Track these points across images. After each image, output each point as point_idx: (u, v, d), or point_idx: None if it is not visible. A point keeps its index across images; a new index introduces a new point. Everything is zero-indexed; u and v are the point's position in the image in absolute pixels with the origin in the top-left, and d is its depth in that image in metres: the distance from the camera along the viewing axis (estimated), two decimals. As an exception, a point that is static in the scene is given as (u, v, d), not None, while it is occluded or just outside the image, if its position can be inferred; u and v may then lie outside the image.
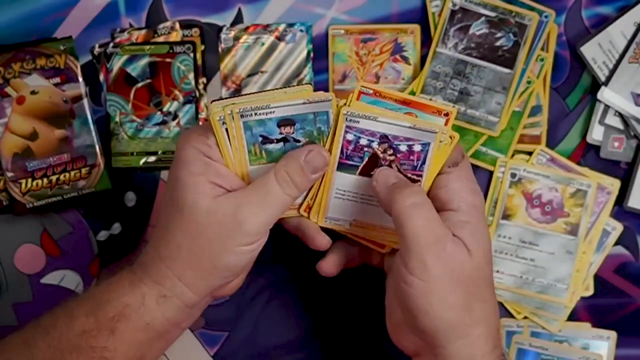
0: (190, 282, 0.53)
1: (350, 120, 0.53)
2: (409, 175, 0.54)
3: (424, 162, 0.53)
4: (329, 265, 0.58)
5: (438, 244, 0.50)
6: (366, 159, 0.54)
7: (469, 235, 0.51)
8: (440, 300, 0.50)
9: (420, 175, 0.54)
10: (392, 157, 0.54)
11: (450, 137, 0.53)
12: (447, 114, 0.53)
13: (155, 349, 0.55)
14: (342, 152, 0.54)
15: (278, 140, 0.54)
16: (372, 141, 0.53)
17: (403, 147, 0.53)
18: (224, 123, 0.52)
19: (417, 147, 0.53)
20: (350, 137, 0.53)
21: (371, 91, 0.53)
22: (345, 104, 0.53)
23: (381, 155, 0.54)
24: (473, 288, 0.51)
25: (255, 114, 0.53)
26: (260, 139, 0.54)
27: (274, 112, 0.53)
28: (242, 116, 0.53)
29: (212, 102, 0.53)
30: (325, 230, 0.57)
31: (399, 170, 0.54)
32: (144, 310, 0.53)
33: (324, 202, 0.56)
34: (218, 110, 0.52)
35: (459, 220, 0.52)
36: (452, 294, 0.50)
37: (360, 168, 0.54)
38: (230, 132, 0.53)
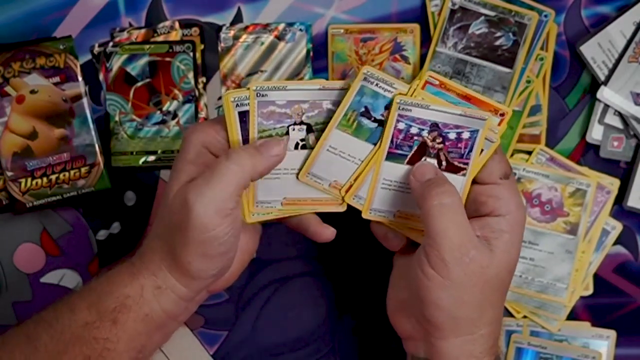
0: (177, 274, 0.53)
1: (403, 108, 0.53)
2: (456, 163, 0.54)
3: (470, 150, 0.54)
4: (395, 244, 0.57)
5: (461, 248, 0.50)
6: (415, 148, 0.54)
7: (503, 244, 0.52)
8: (454, 298, 0.50)
9: (467, 164, 0.54)
10: (440, 145, 0.54)
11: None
12: (502, 114, 0.54)
13: (154, 340, 0.55)
14: (392, 141, 0.54)
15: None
16: (422, 129, 0.54)
17: (452, 135, 0.54)
18: (237, 105, 0.53)
19: (465, 135, 0.54)
20: (401, 126, 0.54)
21: (437, 82, 0.54)
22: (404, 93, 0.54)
23: (430, 144, 0.54)
24: (489, 293, 0.51)
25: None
26: None
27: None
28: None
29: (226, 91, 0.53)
30: (329, 223, 0.56)
31: (446, 159, 0.54)
32: (143, 302, 0.53)
33: (370, 194, 0.55)
34: (232, 92, 0.53)
35: (500, 228, 0.52)
36: (468, 294, 0.50)
37: (408, 157, 0.54)
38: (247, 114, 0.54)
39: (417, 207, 0.52)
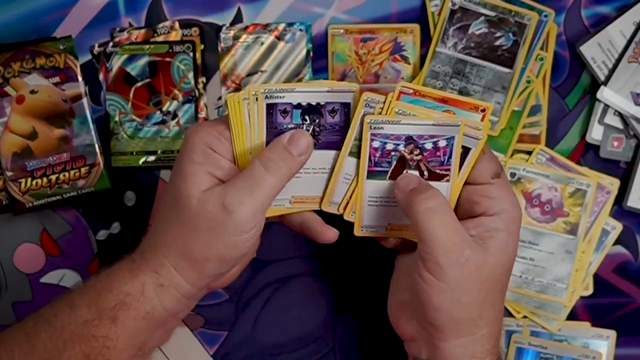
0: (185, 272, 0.53)
1: (375, 127, 0.53)
2: (437, 171, 0.54)
3: (450, 156, 0.54)
4: (391, 242, 0.58)
5: (455, 250, 0.50)
6: (394, 163, 0.54)
7: (498, 242, 0.52)
8: (453, 300, 0.50)
9: (448, 170, 0.54)
10: (419, 157, 0.54)
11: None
12: (483, 110, 0.54)
13: (154, 338, 0.55)
14: (370, 160, 0.54)
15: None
16: (398, 144, 0.54)
17: (429, 145, 0.54)
18: (267, 97, 0.53)
19: (442, 143, 0.54)
20: (376, 144, 0.54)
21: (411, 91, 0.54)
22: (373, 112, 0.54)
23: (408, 157, 0.54)
24: (487, 292, 0.51)
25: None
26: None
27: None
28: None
29: (229, 93, 0.53)
30: (330, 223, 0.57)
31: (427, 168, 0.54)
32: (144, 300, 0.53)
33: (358, 212, 0.56)
34: (241, 93, 0.53)
35: (494, 227, 0.52)
36: (466, 295, 0.50)
37: (389, 173, 0.55)
38: (252, 116, 0.53)
39: (406, 216, 0.52)
